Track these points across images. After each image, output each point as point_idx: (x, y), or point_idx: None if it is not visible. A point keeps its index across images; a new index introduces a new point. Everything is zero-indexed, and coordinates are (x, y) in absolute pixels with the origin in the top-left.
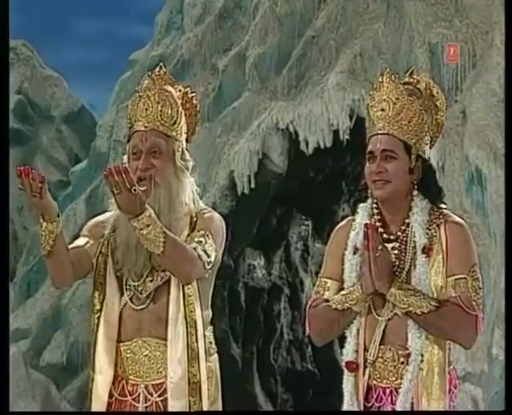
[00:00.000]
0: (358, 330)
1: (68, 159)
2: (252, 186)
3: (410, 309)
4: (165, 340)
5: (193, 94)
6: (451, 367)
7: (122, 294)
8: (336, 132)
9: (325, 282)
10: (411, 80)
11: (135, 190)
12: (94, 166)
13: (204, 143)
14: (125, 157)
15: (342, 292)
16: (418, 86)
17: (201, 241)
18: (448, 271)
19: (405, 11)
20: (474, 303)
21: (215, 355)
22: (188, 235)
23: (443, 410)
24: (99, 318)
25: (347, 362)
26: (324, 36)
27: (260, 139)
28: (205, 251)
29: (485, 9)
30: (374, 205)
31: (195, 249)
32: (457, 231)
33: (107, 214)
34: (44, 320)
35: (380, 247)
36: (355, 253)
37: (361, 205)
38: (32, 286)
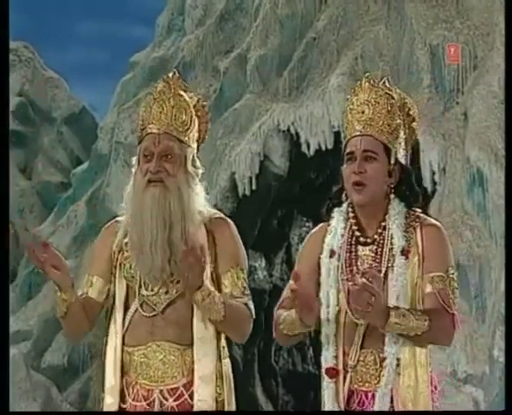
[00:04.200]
0: (335, 335)
1: (69, 161)
2: (254, 187)
3: (404, 332)
4: (180, 344)
5: (205, 103)
6: (430, 368)
7: (128, 301)
8: (337, 134)
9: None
10: (386, 88)
11: (204, 262)
12: (95, 168)
13: (205, 145)
14: (134, 159)
15: (288, 319)
16: (393, 95)
17: (244, 288)
18: (424, 270)
19: (406, 13)
20: (451, 301)
21: (227, 359)
22: (213, 256)
23: (434, 410)
24: (107, 327)
25: (327, 369)
26: (325, 38)
27: (261, 141)
28: (250, 298)
29: (486, 10)
30: (350, 209)
31: (246, 305)
32: (434, 233)
33: (112, 229)
34: (45, 322)
35: (372, 299)
36: (331, 257)
37: (337, 209)
38: (33, 288)
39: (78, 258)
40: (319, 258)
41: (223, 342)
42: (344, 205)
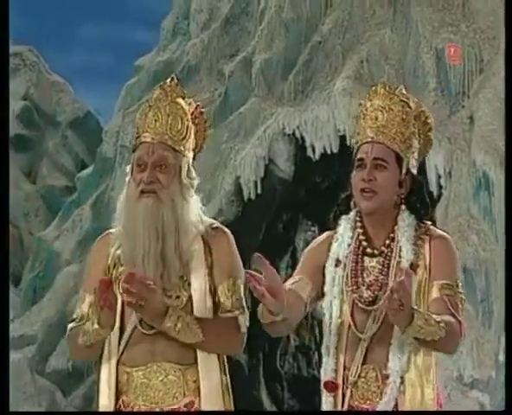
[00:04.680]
0: (337, 348)
1: (74, 165)
2: (259, 192)
3: (421, 337)
4: (181, 364)
5: (203, 109)
6: (437, 385)
7: (124, 319)
8: (342, 138)
9: (294, 277)
10: (401, 96)
11: (150, 284)
12: (100, 172)
13: (210, 149)
14: (128, 168)
15: (260, 308)
16: (409, 103)
17: (237, 300)
18: (432, 278)
19: (411, 16)
20: (459, 310)
21: (227, 375)
22: (210, 274)
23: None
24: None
25: (325, 382)
26: (331, 42)
27: (267, 145)
28: (244, 311)
29: (492, 13)
30: (358, 217)
31: (235, 319)
32: (442, 244)
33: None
34: (50, 326)
35: (403, 300)
36: (336, 266)
37: (344, 217)
38: (38, 292)
39: (82, 262)
40: (324, 265)
41: (224, 356)
42: (352, 213)
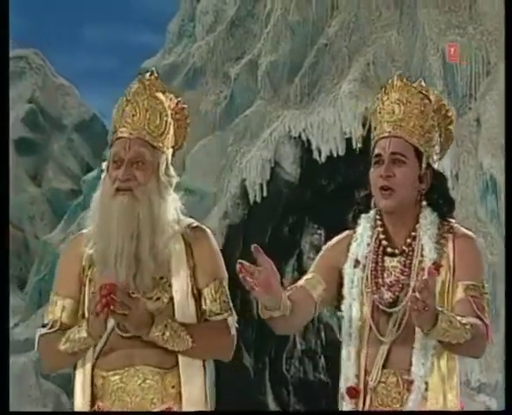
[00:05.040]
0: (359, 352)
1: (80, 168)
2: (265, 194)
3: (446, 340)
4: (161, 367)
5: (184, 105)
6: (459, 391)
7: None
8: (348, 140)
9: (307, 274)
10: (420, 88)
11: (133, 293)
12: None
13: (216, 152)
14: (104, 164)
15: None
16: (428, 95)
17: (224, 302)
18: (457, 279)
19: (418, 18)
20: (486, 312)
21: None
22: (193, 269)
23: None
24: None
25: (348, 388)
26: (337, 44)
27: (273, 147)
28: (232, 312)
29: (499, 15)
30: (378, 216)
31: (225, 321)
32: (468, 244)
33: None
34: None
35: (427, 307)
36: (355, 267)
37: (364, 215)
38: (43, 296)
39: None
40: (341, 266)
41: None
42: (372, 212)
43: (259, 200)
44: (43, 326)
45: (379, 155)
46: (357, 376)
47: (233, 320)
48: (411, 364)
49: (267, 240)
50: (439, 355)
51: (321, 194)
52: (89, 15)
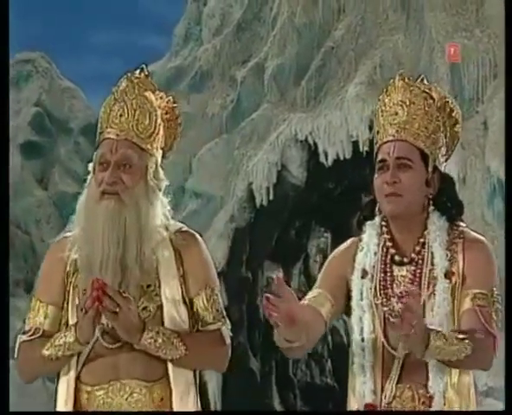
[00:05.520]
0: (374, 367)
1: (86, 171)
2: (271, 198)
3: (444, 358)
4: (148, 381)
5: (175, 104)
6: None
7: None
8: (355, 144)
9: (314, 290)
10: (423, 87)
11: (124, 292)
12: None
13: (222, 155)
14: (91, 165)
15: (276, 333)
16: (431, 94)
17: (217, 311)
18: (465, 287)
19: (425, 22)
20: (494, 322)
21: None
22: (183, 276)
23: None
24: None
25: (366, 405)
26: (343, 47)
27: (279, 151)
28: (226, 321)
29: None
30: (384, 222)
31: (219, 331)
32: (478, 248)
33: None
34: None
35: (414, 322)
36: (363, 277)
37: (369, 222)
38: None
39: None
40: (348, 277)
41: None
42: (377, 218)
43: (265, 203)
44: (24, 333)
45: (383, 160)
46: (374, 392)
47: (227, 329)
48: (427, 378)
49: (274, 244)
50: (453, 370)
51: (328, 197)
52: (95, 18)
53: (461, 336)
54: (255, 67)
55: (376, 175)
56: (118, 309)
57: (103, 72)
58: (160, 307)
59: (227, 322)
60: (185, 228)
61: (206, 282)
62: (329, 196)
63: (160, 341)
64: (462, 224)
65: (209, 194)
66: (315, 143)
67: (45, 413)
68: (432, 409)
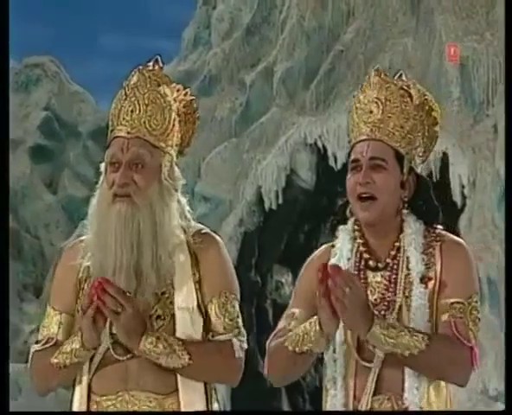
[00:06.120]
0: (345, 379)
1: (95, 175)
2: (280, 202)
3: (395, 350)
4: (158, 393)
5: (192, 97)
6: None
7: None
8: None
9: (293, 313)
10: (401, 83)
11: (129, 293)
12: None
13: (231, 159)
14: (103, 166)
15: (298, 331)
16: (410, 91)
17: (231, 321)
18: (441, 295)
19: (435, 25)
20: (471, 332)
21: (216, 404)
22: (198, 282)
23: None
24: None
25: None
26: (353, 50)
27: (288, 155)
28: (239, 333)
29: None
30: (356, 227)
31: (230, 342)
32: (456, 251)
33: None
34: None
35: (347, 289)
36: None
37: (342, 227)
38: None
39: None
40: None
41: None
42: (350, 222)
43: (274, 207)
44: (37, 342)
45: (356, 160)
46: (345, 405)
47: (239, 341)
48: (403, 390)
49: (283, 248)
50: (431, 380)
51: (337, 201)
52: (104, 22)
53: (419, 330)
54: (264, 71)
55: (349, 176)
56: (120, 309)
57: (112, 76)
58: (174, 315)
59: (242, 333)
60: (205, 230)
61: (221, 288)
62: (339, 200)
63: (161, 347)
64: (439, 226)
65: (218, 198)
66: (324, 147)
67: (45, 413)
68: None
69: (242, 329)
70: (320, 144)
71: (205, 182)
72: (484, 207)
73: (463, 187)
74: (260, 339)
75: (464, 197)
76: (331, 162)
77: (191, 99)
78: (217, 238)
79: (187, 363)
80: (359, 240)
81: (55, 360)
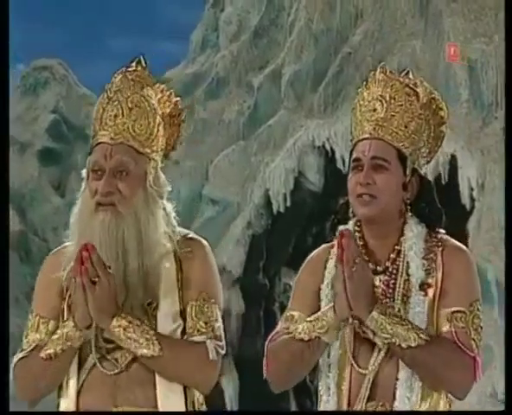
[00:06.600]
0: (338, 385)
1: None
2: (288, 204)
3: (393, 340)
4: (145, 407)
5: (177, 98)
6: None
7: (82, 353)
8: None
9: (292, 315)
10: (407, 81)
11: (109, 268)
12: None
13: (239, 162)
14: (84, 172)
15: (309, 319)
16: (416, 89)
17: (206, 324)
18: (442, 303)
19: (443, 27)
20: (473, 342)
21: None
22: (180, 289)
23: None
24: (59, 387)
25: None
26: (361, 53)
27: (296, 157)
28: (216, 336)
29: None
30: (357, 227)
31: (204, 344)
32: (458, 257)
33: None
34: None
35: (357, 259)
36: (333, 287)
37: (341, 227)
38: None
39: None
40: (319, 287)
41: (196, 395)
42: (351, 222)
43: (282, 210)
44: (21, 351)
45: (358, 159)
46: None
47: (214, 344)
48: (394, 397)
49: (291, 250)
50: (426, 389)
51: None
52: (112, 25)
53: (420, 328)
54: (272, 74)
55: (350, 175)
56: (97, 279)
57: None
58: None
59: (219, 338)
60: (191, 235)
61: (201, 290)
62: (347, 203)
63: (131, 330)
64: (441, 231)
65: (226, 201)
66: (332, 150)
67: (45, 413)
68: None
69: (219, 334)
70: (328, 147)
71: (213, 185)
72: (493, 210)
73: (471, 189)
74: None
75: (472, 200)
76: (339, 165)
77: (176, 101)
78: (203, 242)
79: (157, 354)
80: (358, 242)
81: (47, 352)
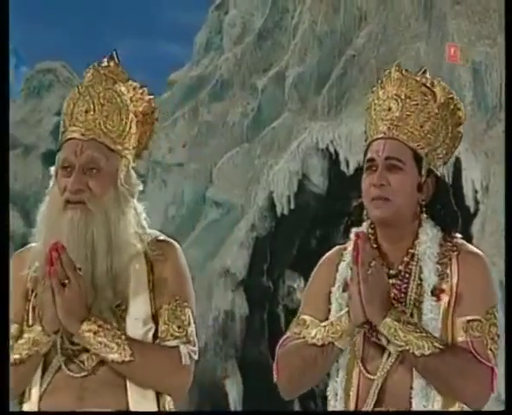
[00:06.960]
0: (345, 390)
1: None
2: (292, 207)
3: (407, 347)
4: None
5: (150, 96)
6: None
7: (48, 356)
8: None
9: (304, 320)
10: (424, 80)
11: (80, 269)
12: None
13: (243, 164)
14: (53, 169)
15: (323, 324)
16: (433, 89)
17: (179, 328)
18: (458, 311)
19: (447, 29)
20: (490, 352)
21: None
22: (152, 291)
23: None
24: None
25: None
26: (365, 55)
27: (300, 160)
28: (189, 341)
29: None
30: (371, 230)
31: (176, 349)
32: (473, 263)
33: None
34: None
35: (372, 263)
36: (344, 290)
37: (355, 230)
38: None
39: None
40: (330, 291)
41: (168, 401)
42: (364, 224)
43: (286, 212)
44: None
45: (372, 159)
46: None
47: (187, 348)
48: (410, 406)
49: (295, 253)
50: (438, 397)
51: (349, 206)
52: (116, 27)
53: (434, 337)
54: (276, 76)
55: (364, 176)
56: (66, 281)
57: None
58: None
59: (193, 342)
60: (162, 237)
61: (174, 294)
62: (351, 205)
63: (102, 335)
64: (457, 235)
65: (230, 203)
66: (336, 152)
67: (45, 413)
68: None
69: (193, 338)
70: (332, 149)
71: (217, 188)
72: (497, 212)
73: (476, 192)
74: (272, 344)
75: (476, 202)
76: (343, 167)
77: (149, 99)
78: (175, 244)
79: (128, 359)
80: (372, 244)
81: (12, 358)
